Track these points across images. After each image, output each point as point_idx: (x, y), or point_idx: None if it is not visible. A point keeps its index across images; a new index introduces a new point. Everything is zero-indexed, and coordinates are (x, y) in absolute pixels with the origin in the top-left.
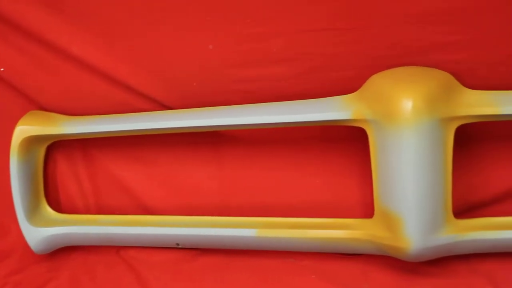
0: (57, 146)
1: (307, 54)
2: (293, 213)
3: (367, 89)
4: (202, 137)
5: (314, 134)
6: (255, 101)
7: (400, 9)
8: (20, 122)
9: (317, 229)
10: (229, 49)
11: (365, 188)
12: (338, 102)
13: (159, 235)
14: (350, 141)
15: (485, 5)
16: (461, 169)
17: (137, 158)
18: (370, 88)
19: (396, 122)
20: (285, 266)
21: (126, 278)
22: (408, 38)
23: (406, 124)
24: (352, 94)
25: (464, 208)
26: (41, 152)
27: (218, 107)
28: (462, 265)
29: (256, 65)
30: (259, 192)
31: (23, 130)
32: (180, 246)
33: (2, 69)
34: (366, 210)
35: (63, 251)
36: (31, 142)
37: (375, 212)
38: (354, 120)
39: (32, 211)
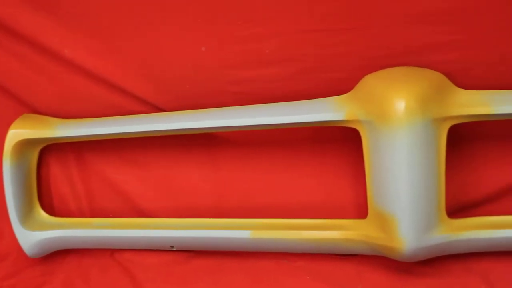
0: (50, 149)
1: (300, 56)
2: (287, 214)
3: (360, 89)
4: (195, 139)
5: (307, 135)
6: (249, 103)
7: (392, 10)
8: (13, 125)
9: (311, 230)
10: (222, 50)
11: (359, 188)
12: (331, 103)
13: (153, 237)
14: (344, 142)
15: (477, 5)
16: (454, 168)
17: (130, 160)
18: (363, 88)
19: (389, 123)
20: (279, 267)
21: (121, 281)
22: (401, 39)
23: (399, 124)
24: (345, 95)
25: (458, 208)
26: (34, 156)
27: (212, 109)
28: (456, 264)
29: (249, 67)
30: (253, 194)
31: (16, 133)
32: (174, 249)
33: None
34: (360, 210)
35: (57, 255)
36: (24, 145)
37: (369, 212)
38: (347, 121)
39: (26, 215)
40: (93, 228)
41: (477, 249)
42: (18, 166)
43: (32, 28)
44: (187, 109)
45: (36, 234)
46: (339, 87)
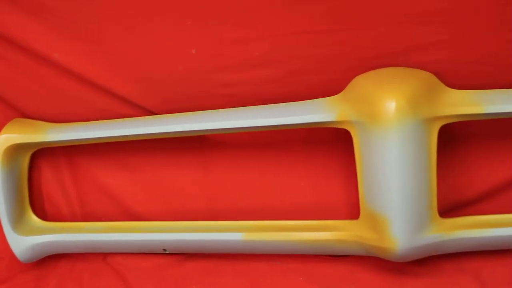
0: (41, 154)
1: (290, 57)
2: (279, 216)
3: (351, 90)
4: (186, 142)
5: (299, 137)
6: (239, 105)
7: (381, 12)
8: (3, 130)
9: (303, 232)
10: (212, 53)
11: (351, 189)
12: (322, 105)
13: (146, 241)
14: (336, 143)
15: (466, 6)
16: (445, 168)
17: (122, 164)
18: (353, 89)
19: (380, 123)
20: (272, 269)
21: (113, 285)
22: (390, 40)
23: (390, 124)
24: (335, 96)
25: (449, 207)
26: (26, 160)
27: (202, 111)
28: (448, 264)
29: (239, 69)
30: (245, 196)
31: (7, 138)
32: (167, 252)
33: None
34: (352, 211)
35: (50, 259)
36: (15, 150)
37: (361, 213)
38: (338, 122)
39: (18, 220)
40: (85, 232)
41: (469, 248)
42: (9, 171)
43: (22, 33)
44: (178, 112)
45: (28, 239)
46: (329, 88)
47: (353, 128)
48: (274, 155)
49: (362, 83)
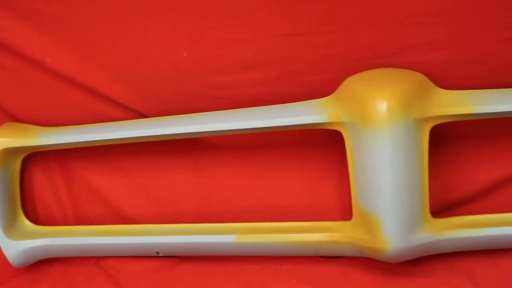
0: (33, 158)
1: (282, 59)
2: (272, 218)
3: (342, 92)
4: (179, 145)
5: (291, 138)
6: (231, 107)
7: (373, 13)
8: None
9: (296, 233)
10: (204, 55)
11: (344, 190)
12: (314, 106)
13: (139, 244)
14: (328, 144)
15: (456, 7)
16: (437, 168)
17: (114, 167)
18: (344, 90)
19: (371, 124)
20: (266, 271)
21: None
22: (381, 40)
23: (381, 125)
24: (327, 97)
25: (441, 207)
26: (17, 164)
27: (194, 114)
28: (441, 264)
29: (231, 71)
30: (238, 198)
31: None
32: (160, 255)
33: None
34: (345, 212)
35: (43, 264)
36: (7, 154)
37: (354, 214)
38: (330, 123)
39: (10, 224)
40: (78, 236)
41: (461, 248)
42: (1, 175)
43: (13, 37)
44: (170, 115)
45: (20, 243)
46: (322, 89)
47: (344, 129)
48: (267, 157)
49: (353, 84)
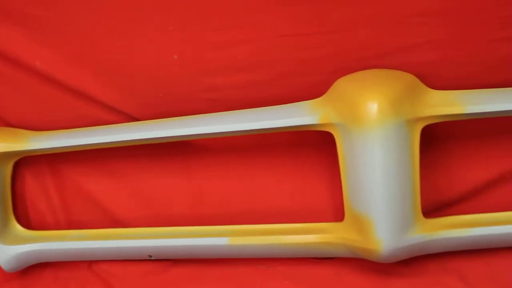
0: (24, 162)
1: (274, 60)
2: (264, 220)
3: (333, 93)
4: (170, 148)
5: (283, 140)
6: (223, 109)
7: (365, 14)
8: None
9: (289, 235)
10: (195, 58)
11: (336, 192)
12: (305, 107)
13: (131, 247)
14: (320, 145)
15: (447, 8)
16: (428, 168)
17: (106, 171)
18: (335, 92)
19: (362, 125)
20: (259, 273)
21: None
22: (374, 42)
23: (372, 126)
24: (318, 98)
25: (433, 207)
26: (8, 169)
27: (186, 116)
28: (433, 263)
29: (223, 73)
30: (230, 200)
31: None
32: (152, 258)
33: None
34: (338, 213)
35: (35, 268)
36: None
37: (346, 215)
38: (321, 125)
39: (1, 229)
40: (70, 240)
41: (453, 248)
42: None
43: (3, 41)
44: (161, 118)
45: (12, 248)
46: (314, 91)
47: (335, 131)
48: (258, 159)
49: (344, 85)
